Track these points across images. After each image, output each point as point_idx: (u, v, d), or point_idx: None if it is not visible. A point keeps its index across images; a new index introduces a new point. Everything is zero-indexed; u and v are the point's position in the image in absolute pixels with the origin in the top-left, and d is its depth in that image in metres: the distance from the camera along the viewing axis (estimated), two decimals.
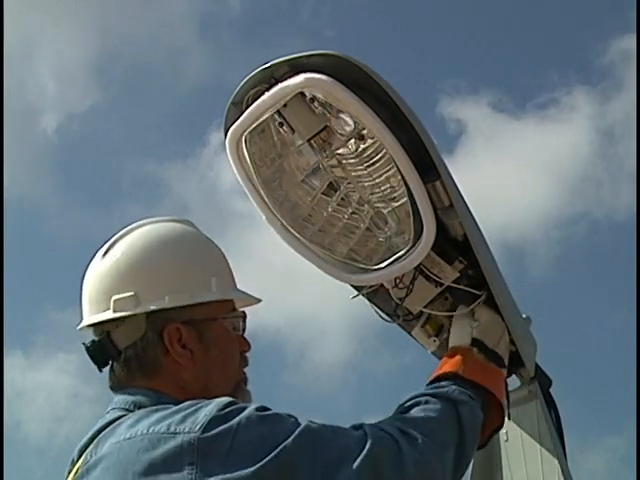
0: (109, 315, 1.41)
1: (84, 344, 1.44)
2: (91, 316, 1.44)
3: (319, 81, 1.52)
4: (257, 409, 1.27)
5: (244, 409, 1.26)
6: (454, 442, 1.42)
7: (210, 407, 1.25)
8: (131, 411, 1.35)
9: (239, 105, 1.64)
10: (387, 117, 1.54)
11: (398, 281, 1.76)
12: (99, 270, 1.47)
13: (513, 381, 1.91)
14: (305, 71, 1.54)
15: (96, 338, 1.43)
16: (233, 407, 1.26)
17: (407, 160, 1.55)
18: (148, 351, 1.39)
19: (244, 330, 1.53)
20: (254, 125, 1.61)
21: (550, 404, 1.93)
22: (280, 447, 1.21)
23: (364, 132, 1.61)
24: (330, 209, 1.75)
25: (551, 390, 1.95)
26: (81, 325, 1.46)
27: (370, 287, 1.81)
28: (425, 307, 1.79)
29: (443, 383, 1.53)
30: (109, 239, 1.51)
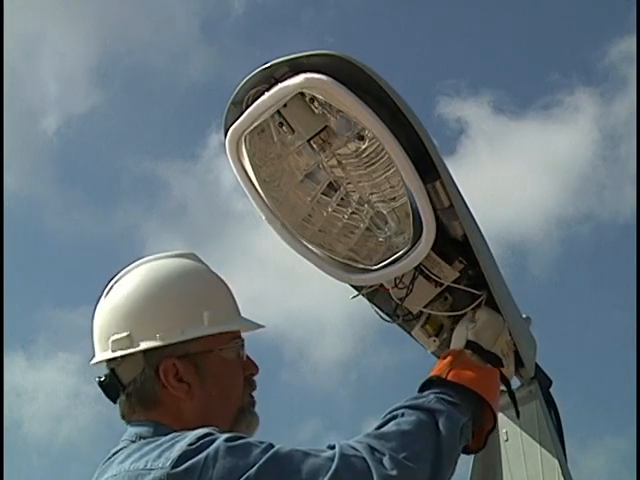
0: (108, 355, 1.49)
1: (97, 379, 1.52)
2: (98, 353, 1.53)
3: (319, 81, 1.52)
4: (227, 439, 1.29)
5: (214, 440, 1.29)
6: (429, 453, 1.39)
7: (184, 441, 1.30)
8: (132, 442, 1.42)
9: (239, 105, 1.65)
10: (387, 117, 1.54)
11: (398, 281, 1.76)
12: (101, 310, 1.55)
13: (513, 381, 1.91)
14: (305, 71, 1.54)
15: (105, 374, 1.51)
16: (205, 440, 1.29)
17: (407, 160, 1.55)
18: (146, 386, 1.46)
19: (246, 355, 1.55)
20: (254, 125, 1.62)
21: (550, 404, 1.93)
22: (244, 477, 1.24)
23: (364, 132, 1.61)
24: (330, 209, 1.75)
25: (551, 390, 1.95)
26: (92, 363, 1.54)
27: (370, 287, 1.81)
28: (425, 307, 1.79)
29: (424, 393, 1.52)
30: (114, 277, 1.58)
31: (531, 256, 9.28)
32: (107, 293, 1.55)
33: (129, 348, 1.47)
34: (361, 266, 1.71)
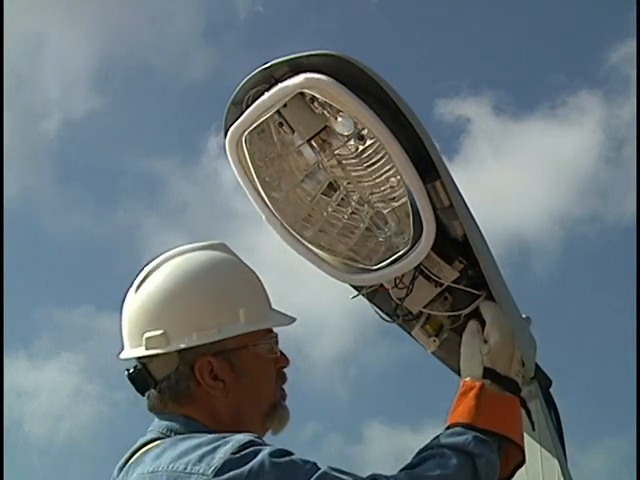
0: (142, 352, 1.47)
1: (127, 371, 1.50)
2: (128, 349, 1.51)
3: (319, 81, 1.52)
4: (272, 454, 1.28)
5: (258, 453, 1.28)
6: None
7: (226, 448, 1.28)
8: (164, 435, 1.42)
9: (239, 105, 1.65)
10: (387, 117, 1.54)
11: (398, 281, 1.76)
12: (133, 305, 1.51)
13: None
14: (305, 71, 1.54)
15: (137, 366, 1.50)
16: (249, 450, 1.28)
17: (407, 160, 1.55)
18: (181, 383, 1.44)
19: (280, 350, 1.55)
20: (254, 125, 1.62)
21: (550, 404, 1.93)
22: None
23: (364, 132, 1.61)
24: (330, 209, 1.75)
25: (551, 390, 1.95)
26: (122, 357, 1.52)
27: (370, 287, 1.81)
28: (425, 307, 1.79)
29: (459, 430, 1.51)
30: (144, 268, 1.54)
31: (533, 255, 9.29)
32: (138, 287, 1.51)
33: (165, 347, 1.45)
34: (361, 266, 1.71)
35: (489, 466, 1.47)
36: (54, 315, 10.02)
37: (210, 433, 1.37)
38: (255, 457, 1.27)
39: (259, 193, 1.70)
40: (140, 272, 1.54)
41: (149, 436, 1.43)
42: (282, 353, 1.55)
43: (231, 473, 1.24)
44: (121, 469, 1.42)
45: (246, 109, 1.62)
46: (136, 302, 1.50)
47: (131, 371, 1.49)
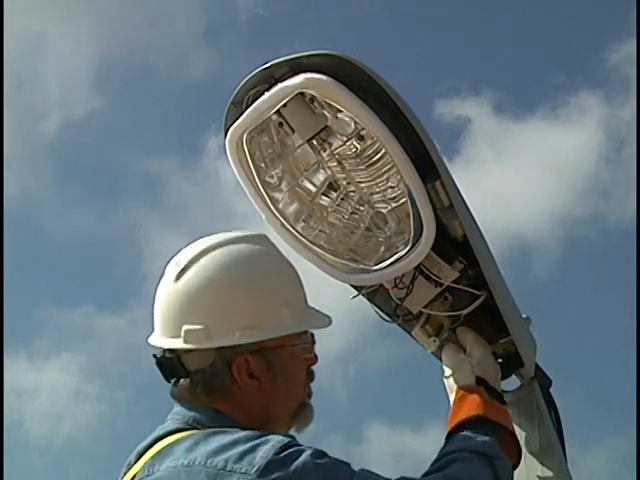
0: (180, 344, 1.42)
1: (155, 357, 1.46)
2: (163, 338, 1.46)
3: (319, 81, 1.52)
4: (313, 455, 1.28)
5: (300, 454, 1.27)
6: None
7: (267, 447, 1.27)
8: (189, 426, 1.39)
9: (239, 105, 1.65)
10: (387, 117, 1.54)
11: (398, 281, 1.76)
12: (171, 294, 1.45)
13: (513, 381, 1.92)
14: (305, 71, 1.54)
15: (166, 354, 1.45)
16: (290, 450, 1.27)
17: (407, 160, 1.55)
18: (216, 379, 1.41)
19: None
20: (254, 125, 1.62)
21: (550, 404, 1.93)
22: None
23: (364, 132, 1.61)
24: (330, 209, 1.75)
25: (551, 390, 1.95)
26: (154, 344, 1.47)
27: (370, 287, 1.81)
28: (425, 307, 1.79)
29: (476, 435, 1.54)
30: (182, 254, 1.48)
31: (534, 256, 9.29)
32: (178, 276, 1.44)
33: (205, 343, 1.40)
34: (361, 266, 1.71)
35: (506, 470, 1.52)
36: (54, 315, 10.03)
37: (239, 429, 1.35)
38: (298, 458, 1.26)
39: (259, 193, 1.70)
40: (177, 257, 1.48)
41: (172, 425, 1.40)
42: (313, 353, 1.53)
43: (276, 474, 1.24)
44: (140, 455, 1.38)
45: (246, 109, 1.62)
46: (176, 291, 1.44)
47: (159, 356, 1.45)
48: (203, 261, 1.44)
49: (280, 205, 1.71)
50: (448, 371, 1.75)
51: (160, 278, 1.49)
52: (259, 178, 1.69)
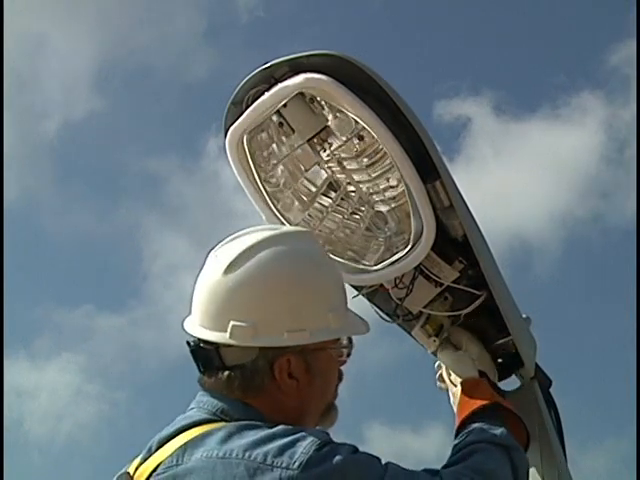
0: (224, 339, 1.39)
1: (189, 344, 1.44)
2: (205, 330, 1.43)
3: (319, 81, 1.52)
4: (350, 451, 1.30)
5: (339, 450, 1.29)
6: None
7: (307, 443, 1.27)
8: (217, 417, 1.37)
9: (239, 105, 1.65)
10: (387, 117, 1.54)
11: (398, 281, 1.76)
12: (219, 286, 1.41)
13: (513, 381, 1.92)
14: (305, 71, 1.54)
15: (202, 345, 1.42)
16: (330, 447, 1.28)
17: (407, 160, 1.55)
18: (256, 376, 1.40)
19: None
20: (254, 125, 1.62)
21: (550, 404, 1.93)
22: None
23: (364, 132, 1.61)
24: (330, 209, 1.75)
25: (551, 390, 1.95)
26: (193, 333, 1.44)
27: (370, 287, 1.81)
28: (425, 307, 1.80)
29: (491, 425, 1.57)
30: (232, 245, 1.44)
31: (534, 256, 9.29)
32: (227, 269, 1.40)
33: (251, 341, 1.38)
34: (361, 266, 1.71)
35: (523, 461, 1.57)
36: (54, 315, 10.03)
37: (268, 424, 1.34)
38: (337, 454, 1.27)
39: (259, 193, 1.70)
40: (222, 248, 1.45)
41: (199, 415, 1.38)
42: None
43: (318, 469, 1.24)
44: (162, 444, 1.35)
45: (246, 109, 1.62)
46: (226, 285, 1.40)
47: (193, 345, 1.43)
48: (255, 258, 1.41)
49: (280, 205, 1.71)
50: (446, 373, 1.78)
51: (202, 267, 1.46)
52: (259, 178, 1.69)
